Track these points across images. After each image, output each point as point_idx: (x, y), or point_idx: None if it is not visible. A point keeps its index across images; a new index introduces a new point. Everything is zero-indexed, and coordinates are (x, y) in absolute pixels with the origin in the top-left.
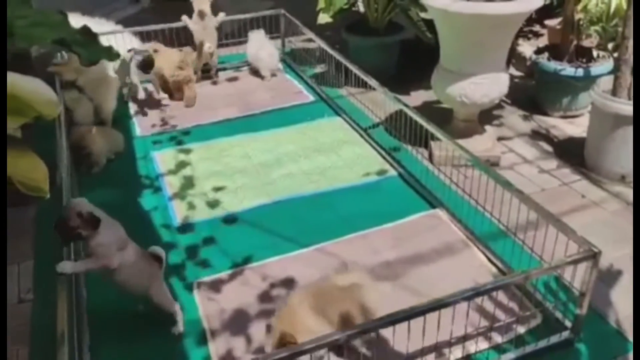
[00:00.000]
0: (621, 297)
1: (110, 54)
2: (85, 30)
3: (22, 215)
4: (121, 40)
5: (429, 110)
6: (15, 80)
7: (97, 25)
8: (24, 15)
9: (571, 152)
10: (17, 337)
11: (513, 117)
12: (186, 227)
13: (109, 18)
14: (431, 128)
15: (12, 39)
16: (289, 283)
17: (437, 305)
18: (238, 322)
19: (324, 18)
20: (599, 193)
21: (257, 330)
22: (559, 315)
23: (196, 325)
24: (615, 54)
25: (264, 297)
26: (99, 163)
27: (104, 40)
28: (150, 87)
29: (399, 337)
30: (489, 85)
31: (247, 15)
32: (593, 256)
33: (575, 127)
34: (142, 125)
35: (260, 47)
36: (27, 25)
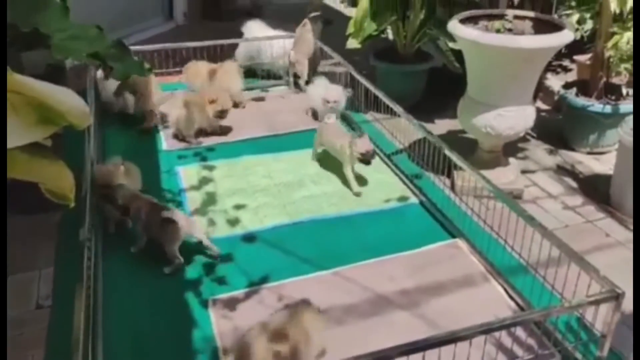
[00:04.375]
0: None
1: (142, 69)
2: (119, 44)
3: (47, 221)
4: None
5: (453, 139)
6: (48, 90)
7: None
8: (63, 28)
9: (597, 189)
10: (33, 342)
11: (538, 150)
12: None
13: (142, 34)
14: (454, 157)
15: (49, 50)
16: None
17: (454, 337)
18: None
19: (352, 43)
20: (624, 233)
21: None
22: (578, 356)
23: (210, 342)
24: None
25: None
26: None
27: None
28: None
29: None
30: (515, 117)
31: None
32: (616, 297)
33: (602, 164)
34: (168, 140)
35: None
36: (65, 38)
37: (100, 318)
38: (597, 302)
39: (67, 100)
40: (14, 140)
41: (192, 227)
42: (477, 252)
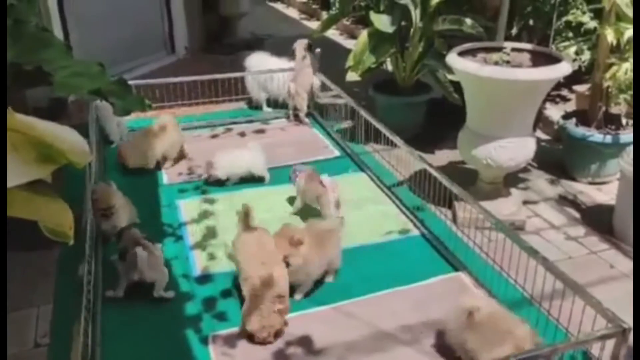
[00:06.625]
0: None
1: (143, 104)
2: (121, 81)
3: (45, 257)
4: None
5: (453, 170)
6: (49, 129)
7: None
8: (66, 65)
9: (599, 220)
10: None
11: (539, 180)
12: (205, 278)
13: (145, 68)
14: (455, 189)
15: (52, 87)
16: (305, 341)
17: None
18: None
19: (352, 76)
20: (629, 264)
21: None
22: None
23: None
24: None
25: (279, 355)
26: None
27: None
28: None
29: None
30: (516, 149)
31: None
32: (622, 332)
33: (604, 194)
34: (169, 173)
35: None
36: (68, 76)
37: (98, 357)
38: (603, 337)
39: (67, 139)
40: (14, 178)
41: None
42: (480, 285)
